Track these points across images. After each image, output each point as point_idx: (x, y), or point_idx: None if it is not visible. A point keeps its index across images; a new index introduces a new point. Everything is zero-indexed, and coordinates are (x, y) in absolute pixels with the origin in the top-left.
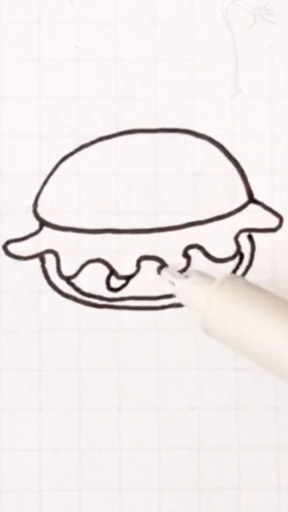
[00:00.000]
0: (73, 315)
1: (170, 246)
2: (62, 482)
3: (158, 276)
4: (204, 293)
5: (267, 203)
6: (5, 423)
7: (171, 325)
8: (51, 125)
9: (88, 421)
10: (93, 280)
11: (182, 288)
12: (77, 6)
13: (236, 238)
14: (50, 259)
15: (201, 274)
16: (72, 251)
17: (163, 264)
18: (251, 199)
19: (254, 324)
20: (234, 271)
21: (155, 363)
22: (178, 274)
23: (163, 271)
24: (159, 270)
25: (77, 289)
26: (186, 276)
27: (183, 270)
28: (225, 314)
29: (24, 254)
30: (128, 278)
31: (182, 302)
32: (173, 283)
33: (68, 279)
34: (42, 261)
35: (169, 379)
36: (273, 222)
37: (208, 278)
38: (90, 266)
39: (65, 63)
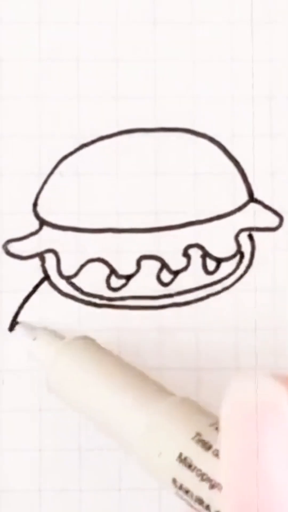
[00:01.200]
0: (73, 315)
1: (170, 246)
2: (62, 481)
3: (158, 279)
4: (49, 353)
5: (267, 202)
6: (5, 423)
7: (172, 324)
8: (51, 125)
9: (88, 421)
10: (93, 280)
11: (32, 347)
12: (77, 6)
13: (236, 237)
14: (50, 258)
15: (51, 333)
16: (72, 250)
17: (16, 321)
18: (252, 198)
19: (92, 389)
20: (235, 270)
21: (155, 362)
22: (30, 332)
23: (17, 327)
24: (14, 325)
25: (77, 289)
26: (35, 338)
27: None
28: (66, 375)
29: (24, 254)
30: (128, 277)
31: (33, 361)
32: (25, 341)
33: (68, 279)
34: (42, 261)
35: (169, 379)
36: (273, 221)
37: (57, 337)
38: (90, 265)
39: (65, 62)
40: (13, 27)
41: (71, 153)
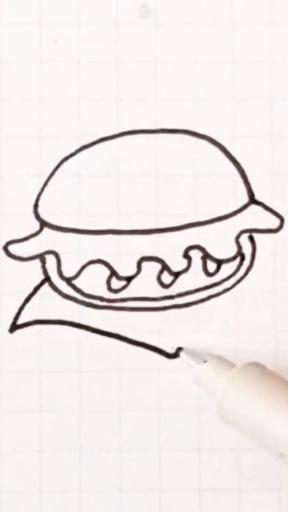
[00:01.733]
0: (74, 316)
1: (171, 247)
2: (63, 483)
3: (159, 281)
4: (221, 380)
5: (268, 203)
6: (6, 424)
7: (172, 326)
8: (52, 126)
9: (88, 422)
10: (93, 281)
11: (199, 373)
12: (77, 7)
13: (237, 239)
14: (50, 260)
15: (219, 359)
16: (73, 252)
17: (179, 348)
18: (252, 200)
19: (269, 416)
20: (235, 272)
21: (156, 364)
22: (196, 358)
23: (182, 353)
24: (178, 351)
25: (78, 290)
26: (205, 360)
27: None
28: (241, 403)
29: (25, 255)
30: (129, 279)
31: (199, 386)
32: (191, 366)
33: (68, 280)
34: (43, 262)
35: (170, 380)
36: (274, 222)
37: (226, 364)
38: (90, 267)
39: (65, 63)
40: (13, 28)
41: (71, 155)
